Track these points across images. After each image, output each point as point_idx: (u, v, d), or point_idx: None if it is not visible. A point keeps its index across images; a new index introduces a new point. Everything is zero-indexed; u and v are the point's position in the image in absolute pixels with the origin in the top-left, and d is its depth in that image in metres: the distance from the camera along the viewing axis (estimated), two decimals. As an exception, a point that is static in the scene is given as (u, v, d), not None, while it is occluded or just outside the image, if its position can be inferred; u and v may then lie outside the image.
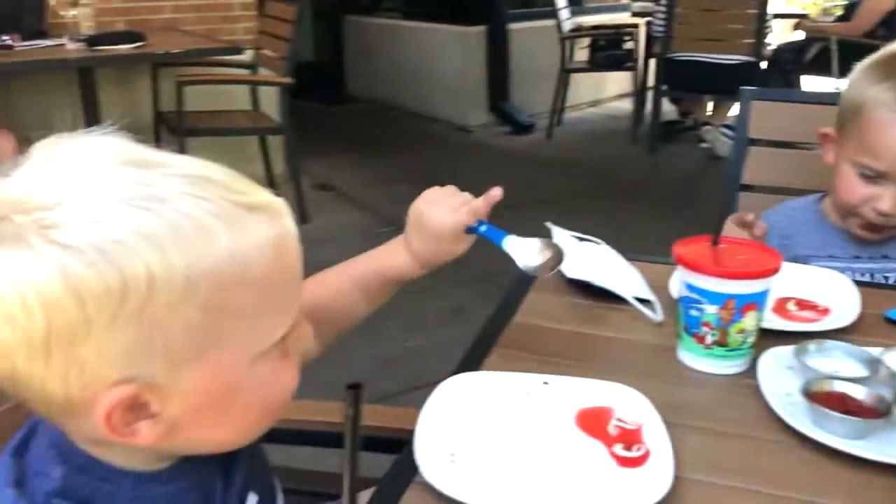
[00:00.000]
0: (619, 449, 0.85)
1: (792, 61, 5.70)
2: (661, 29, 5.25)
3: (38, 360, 0.57)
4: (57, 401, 0.59)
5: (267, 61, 4.18)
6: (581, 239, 1.36)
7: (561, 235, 1.33)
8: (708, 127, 5.43)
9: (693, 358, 1.05)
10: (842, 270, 1.30)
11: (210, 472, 0.72)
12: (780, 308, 1.18)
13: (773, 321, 1.12)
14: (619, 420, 0.90)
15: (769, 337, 1.06)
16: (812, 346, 1.02)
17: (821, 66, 5.45)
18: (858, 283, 1.23)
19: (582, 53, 6.11)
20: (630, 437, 0.87)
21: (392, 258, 1.01)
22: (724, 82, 4.91)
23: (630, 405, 0.92)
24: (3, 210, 0.57)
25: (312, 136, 5.23)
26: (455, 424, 0.89)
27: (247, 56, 4.22)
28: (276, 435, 0.86)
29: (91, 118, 3.56)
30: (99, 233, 0.56)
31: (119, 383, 0.59)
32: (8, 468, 0.65)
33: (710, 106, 5.73)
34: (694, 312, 1.02)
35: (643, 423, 0.89)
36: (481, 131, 6.24)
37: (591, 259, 1.30)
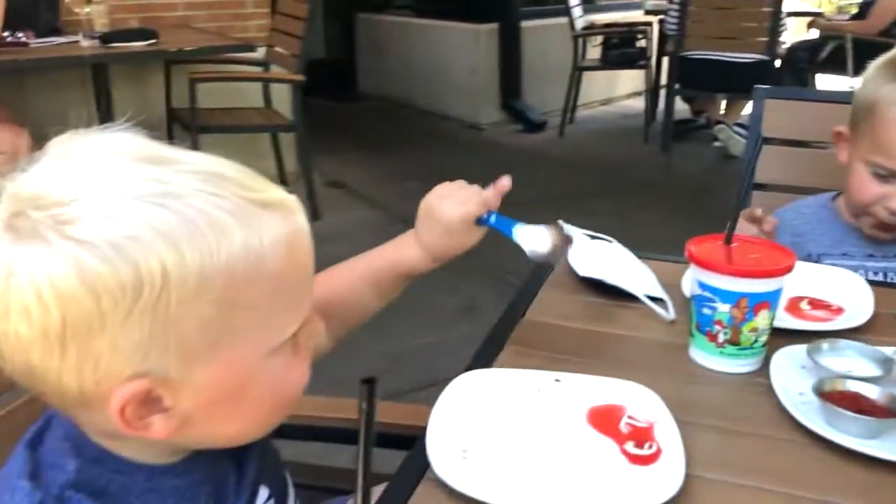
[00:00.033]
0: (630, 447, 0.85)
1: (806, 60, 5.66)
2: (674, 27, 5.23)
3: (54, 354, 0.58)
4: (72, 394, 0.60)
5: (279, 59, 4.19)
6: (593, 237, 1.36)
7: (573, 233, 1.33)
8: (721, 125, 5.40)
9: (705, 356, 1.04)
10: (855, 269, 1.30)
11: (222, 466, 0.73)
12: (793, 307, 1.17)
13: (786, 320, 1.11)
14: (631, 418, 0.90)
15: (782, 336, 1.06)
16: (825, 345, 1.01)
17: (835, 65, 5.42)
18: (872, 283, 1.23)
19: (594, 51, 6.09)
20: (641, 435, 0.87)
21: (403, 252, 1.01)
22: (738, 81, 4.89)
23: (642, 403, 0.92)
24: (21, 205, 0.58)
25: (324, 134, 5.25)
26: (467, 421, 0.89)
27: (259, 53, 4.23)
28: (288, 430, 0.86)
29: (105, 115, 3.58)
30: (114, 229, 0.57)
31: (133, 378, 0.59)
32: (23, 460, 0.65)
33: (723, 104, 5.71)
34: (706, 311, 1.02)
35: (655, 421, 0.89)
36: (493, 129, 6.23)
37: (603, 257, 1.30)
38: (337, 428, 1.14)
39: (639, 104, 6.65)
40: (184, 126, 3.87)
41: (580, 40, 5.97)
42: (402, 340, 2.93)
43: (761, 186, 1.72)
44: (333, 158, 5.15)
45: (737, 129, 5.26)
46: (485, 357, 1.05)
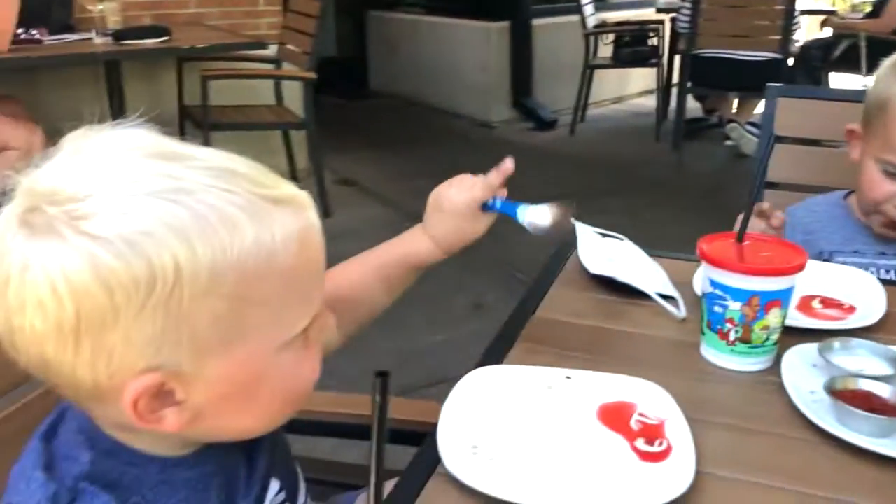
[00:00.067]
0: (640, 443, 0.85)
1: (820, 58, 5.64)
2: (686, 25, 5.21)
3: (68, 347, 0.58)
4: (86, 387, 0.61)
5: (291, 56, 4.20)
6: (604, 235, 1.36)
7: (584, 231, 1.33)
8: (733, 124, 5.38)
9: (716, 354, 1.04)
10: (866, 266, 1.29)
11: (233, 458, 0.74)
12: (805, 306, 1.17)
13: (797, 319, 1.11)
14: (642, 415, 0.90)
15: (793, 334, 1.05)
16: (837, 343, 1.01)
17: (849, 64, 5.39)
18: (884, 282, 1.22)
19: (606, 49, 6.07)
20: (652, 432, 0.87)
21: (411, 245, 1.03)
22: (750, 79, 4.86)
23: (652, 400, 0.92)
24: (36, 201, 0.59)
25: (335, 131, 5.26)
26: (477, 417, 0.89)
27: (271, 51, 4.24)
28: (299, 426, 0.87)
29: (117, 112, 3.59)
30: (127, 224, 0.57)
31: (146, 371, 0.60)
32: (37, 452, 0.66)
33: (735, 103, 5.68)
34: (717, 309, 1.01)
35: (665, 419, 0.89)
36: (504, 127, 6.23)
37: (615, 255, 1.30)
38: (348, 424, 1.15)
39: (650, 102, 6.63)
40: (195, 123, 3.88)
41: (592, 38, 5.95)
42: (412, 338, 2.94)
43: (773, 185, 1.72)
44: (344, 156, 5.16)
45: (749, 127, 5.23)
46: (495, 354, 1.05)
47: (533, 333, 1.12)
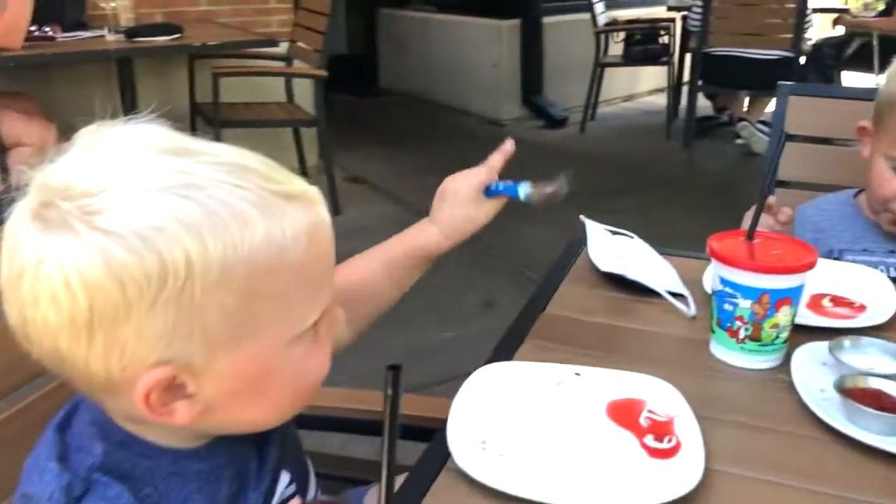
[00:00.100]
0: (649, 440, 0.85)
1: (832, 57, 5.61)
2: (697, 23, 5.19)
3: (81, 340, 0.59)
4: (98, 379, 0.61)
5: (301, 54, 4.20)
6: (614, 233, 1.36)
7: (594, 229, 1.33)
8: (744, 123, 5.36)
9: (726, 352, 1.04)
10: (875, 265, 1.29)
11: (244, 451, 0.74)
12: (815, 304, 1.17)
13: (807, 317, 1.11)
14: (651, 412, 0.90)
15: (803, 333, 1.05)
16: (847, 342, 1.01)
17: (862, 62, 5.36)
18: (894, 281, 1.22)
19: (616, 47, 6.06)
20: (661, 429, 0.87)
21: (418, 236, 1.04)
22: (762, 78, 4.84)
23: (662, 397, 0.92)
24: (50, 196, 0.59)
25: (345, 129, 5.26)
26: (487, 412, 0.89)
27: (282, 48, 4.25)
28: (309, 421, 0.87)
29: (129, 109, 3.57)
30: (140, 219, 0.58)
31: (157, 364, 0.61)
32: (52, 443, 0.67)
33: (746, 102, 5.66)
34: (727, 306, 1.01)
35: (675, 416, 0.89)
36: (514, 125, 6.22)
37: (625, 253, 1.30)
38: (358, 419, 1.15)
39: (661, 101, 6.61)
40: (207, 120, 3.89)
41: (602, 36, 5.94)
42: (422, 336, 2.94)
43: (784, 184, 1.71)
44: (354, 153, 5.17)
45: (759, 126, 5.21)
46: (505, 350, 1.06)
47: (543, 330, 1.12)
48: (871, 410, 0.86)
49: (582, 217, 1.35)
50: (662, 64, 5.97)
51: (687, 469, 0.80)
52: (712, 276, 1.05)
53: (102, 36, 3.49)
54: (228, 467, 0.72)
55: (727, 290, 1.01)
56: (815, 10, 5.57)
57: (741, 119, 5.46)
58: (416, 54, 7.01)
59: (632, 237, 1.36)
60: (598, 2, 5.89)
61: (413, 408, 1.10)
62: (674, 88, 5.96)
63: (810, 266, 0.99)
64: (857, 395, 0.89)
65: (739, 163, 5.25)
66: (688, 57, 5.77)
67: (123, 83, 3.82)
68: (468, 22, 6.52)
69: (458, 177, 1.04)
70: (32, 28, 3.17)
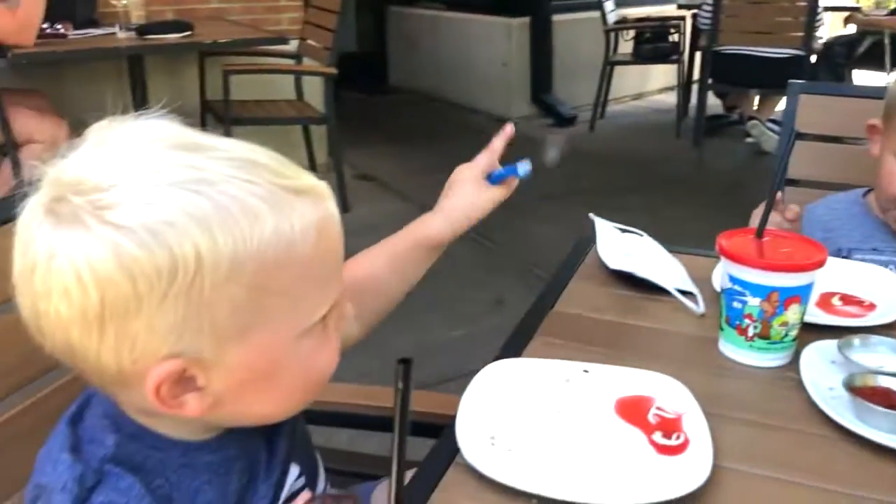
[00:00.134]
0: (658, 437, 0.85)
1: (843, 55, 5.59)
2: (707, 21, 5.17)
3: (93, 334, 0.59)
4: (110, 372, 0.62)
5: (311, 51, 4.21)
6: (624, 231, 1.36)
7: (604, 227, 1.33)
8: (754, 121, 5.34)
9: (735, 350, 1.04)
10: (885, 264, 1.29)
11: (254, 443, 0.75)
12: (825, 303, 1.16)
13: (817, 315, 1.10)
14: (659, 409, 0.90)
15: (813, 331, 1.05)
16: (856, 340, 1.01)
17: (873, 61, 5.34)
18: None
19: (626, 46, 6.04)
20: (669, 426, 0.87)
21: (423, 226, 1.04)
22: (772, 76, 4.82)
23: (670, 395, 0.92)
24: (62, 191, 0.60)
25: (355, 126, 5.27)
26: (496, 408, 0.90)
27: (292, 46, 4.26)
28: (318, 416, 0.88)
29: (140, 106, 3.59)
30: (150, 214, 0.58)
31: (168, 358, 0.61)
32: (64, 435, 0.67)
33: (756, 100, 5.64)
34: (736, 304, 1.01)
35: (683, 413, 0.89)
36: (523, 123, 6.21)
37: (634, 250, 1.30)
38: (367, 415, 1.15)
39: (671, 99, 6.59)
40: (217, 117, 3.91)
41: (612, 34, 5.93)
42: (431, 334, 2.95)
43: (794, 182, 1.71)
44: (364, 151, 5.17)
45: (770, 125, 5.19)
46: (514, 347, 1.06)
47: (551, 327, 1.12)
48: (880, 409, 0.86)
49: (591, 215, 1.36)
50: (672, 62, 5.95)
51: (695, 466, 0.80)
52: (721, 273, 1.05)
53: (114, 33, 3.51)
54: (239, 459, 0.73)
55: (736, 287, 1.01)
56: (827, 9, 5.55)
57: (751, 117, 5.44)
58: (426, 52, 7.02)
59: (641, 235, 1.36)
60: (607, 0, 5.88)
61: (422, 404, 1.10)
62: (684, 87, 5.94)
63: (820, 264, 0.99)
64: (867, 393, 0.89)
65: (749, 161, 5.23)
66: (698, 55, 5.76)
67: (134, 80, 3.84)
68: (477, 20, 6.52)
69: (463, 167, 1.06)
70: (44, 26, 3.18)
